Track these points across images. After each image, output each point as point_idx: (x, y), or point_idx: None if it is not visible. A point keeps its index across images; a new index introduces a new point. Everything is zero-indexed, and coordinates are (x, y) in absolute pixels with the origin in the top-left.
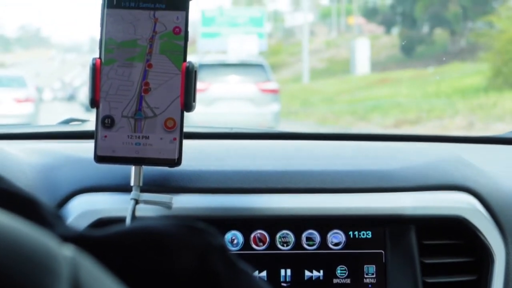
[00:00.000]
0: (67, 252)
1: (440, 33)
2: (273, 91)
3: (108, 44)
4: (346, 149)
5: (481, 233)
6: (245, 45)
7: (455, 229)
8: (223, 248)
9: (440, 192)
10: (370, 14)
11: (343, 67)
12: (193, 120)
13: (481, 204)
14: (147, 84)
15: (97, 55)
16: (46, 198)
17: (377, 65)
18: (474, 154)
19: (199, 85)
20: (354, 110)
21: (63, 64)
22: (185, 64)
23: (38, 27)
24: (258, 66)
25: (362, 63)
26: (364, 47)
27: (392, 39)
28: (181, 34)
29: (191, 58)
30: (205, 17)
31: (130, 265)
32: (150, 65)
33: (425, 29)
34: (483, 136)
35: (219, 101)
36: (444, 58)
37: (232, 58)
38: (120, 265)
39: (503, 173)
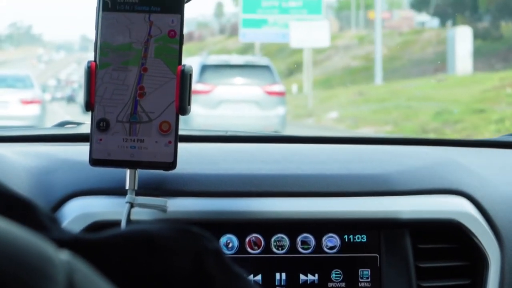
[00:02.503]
0: (62, 256)
1: (507, 26)
2: (280, 94)
3: (103, 47)
4: (341, 153)
5: (476, 237)
6: (312, 34)
7: (450, 233)
8: (218, 252)
9: (435, 196)
10: (420, 5)
11: (388, 65)
12: (197, 123)
13: (476, 208)
14: (142, 88)
15: (86, 54)
16: (40, 201)
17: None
18: (469, 158)
19: (203, 87)
20: None
21: (49, 64)
22: (180, 68)
23: (29, 24)
24: (264, 67)
25: (463, 59)
26: (465, 38)
27: (439, 33)
28: (176, 37)
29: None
30: (247, 1)
31: (125, 268)
32: (145, 69)
33: (489, 21)
34: (478, 139)
35: (223, 104)
36: None
37: (237, 59)
38: (115, 268)
39: (498, 177)
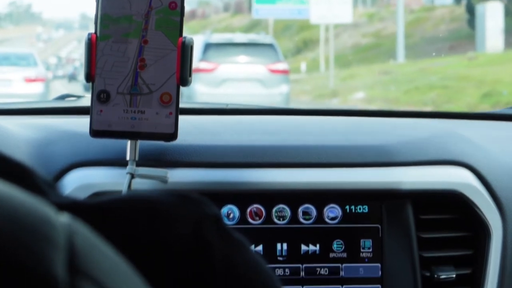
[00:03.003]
0: (63, 219)
1: None
2: (283, 72)
3: (103, 19)
4: (342, 124)
5: (477, 207)
6: (334, 9)
7: (452, 203)
8: (217, 218)
9: (437, 166)
10: None
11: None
12: (201, 101)
13: (478, 179)
14: (142, 60)
15: (87, 32)
16: (41, 173)
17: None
18: (471, 130)
19: (206, 65)
20: None
21: (48, 42)
22: (181, 40)
23: (28, 3)
24: (268, 45)
25: (493, 36)
26: (496, 13)
27: (452, 11)
28: (177, 9)
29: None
30: None
31: (124, 233)
32: (145, 41)
33: None
34: (480, 112)
35: (227, 82)
36: None
37: (240, 37)
38: (114, 232)
39: (500, 148)
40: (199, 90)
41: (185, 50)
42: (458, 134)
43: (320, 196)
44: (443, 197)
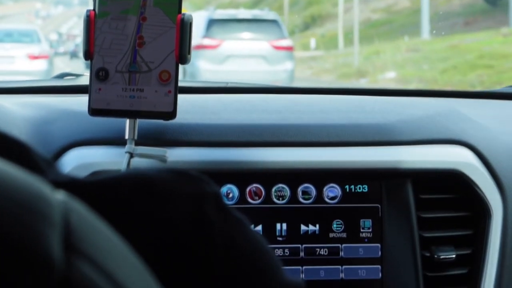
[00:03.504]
0: (59, 196)
1: None
2: (287, 49)
3: None
4: (342, 103)
5: (478, 187)
6: None
7: (452, 183)
8: (217, 196)
9: (437, 145)
10: None
11: (412, 18)
12: (204, 78)
13: (478, 158)
14: (141, 37)
15: (86, 8)
16: (40, 152)
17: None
18: (472, 109)
19: (210, 42)
20: None
21: (46, 19)
22: (180, 16)
23: None
24: (272, 22)
25: None
26: None
27: None
28: None
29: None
30: None
31: (122, 211)
32: (144, 18)
33: None
34: (480, 91)
35: (231, 59)
36: None
37: (244, 13)
38: (113, 210)
39: (500, 127)
40: (203, 67)
41: (184, 27)
42: (458, 113)
43: (320, 176)
44: (443, 176)
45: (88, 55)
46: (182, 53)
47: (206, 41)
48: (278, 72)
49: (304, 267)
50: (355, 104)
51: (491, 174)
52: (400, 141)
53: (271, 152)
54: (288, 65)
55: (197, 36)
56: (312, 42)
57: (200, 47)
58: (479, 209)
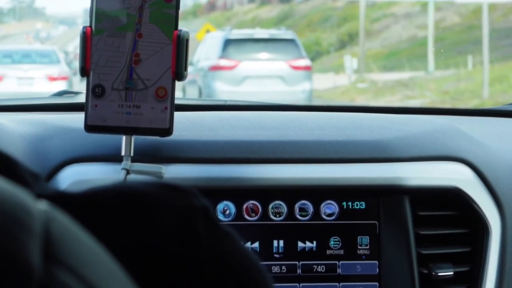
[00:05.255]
0: (40, 206)
1: None
2: (305, 68)
3: (97, 13)
4: (340, 120)
5: (476, 204)
6: None
7: (450, 200)
8: (205, 209)
9: (435, 162)
10: None
11: (466, 35)
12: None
13: (477, 175)
14: (137, 55)
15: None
16: (36, 168)
17: None
18: (470, 126)
19: (227, 62)
20: None
21: (45, 41)
22: (176, 33)
23: None
24: (290, 41)
25: None
26: None
27: None
28: (173, 2)
29: None
30: None
31: (108, 222)
32: (140, 35)
33: None
34: (479, 108)
35: (248, 80)
36: None
37: (261, 33)
38: (98, 222)
39: (499, 145)
40: (219, 88)
41: (181, 44)
42: (457, 130)
43: (317, 192)
44: (441, 193)
45: (84, 71)
46: (179, 70)
47: (223, 62)
48: (296, 92)
49: (301, 284)
50: (352, 121)
51: (490, 191)
52: (398, 158)
53: (268, 169)
54: (306, 86)
55: (213, 57)
56: (351, 62)
57: (217, 68)
58: (477, 226)
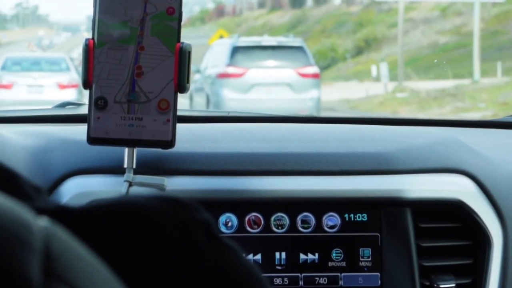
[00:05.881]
0: (41, 222)
1: None
2: (314, 76)
3: (99, 25)
4: (342, 132)
5: (478, 216)
6: None
7: (452, 212)
8: (207, 223)
9: (437, 174)
10: None
11: (490, 41)
12: (229, 108)
13: (479, 187)
14: (139, 67)
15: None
16: (39, 180)
17: None
18: (472, 138)
19: (235, 70)
20: None
21: (47, 49)
22: (179, 45)
23: (35, 4)
24: (297, 48)
25: None
26: None
27: None
28: (175, 15)
29: None
30: None
31: (109, 237)
32: (142, 48)
33: None
34: (481, 120)
35: (256, 87)
36: None
37: (269, 40)
38: (100, 236)
39: (500, 156)
40: (227, 96)
41: (183, 56)
42: (458, 142)
43: (319, 204)
44: (443, 205)
45: (86, 84)
46: (181, 83)
47: (231, 70)
48: (304, 100)
49: None
50: (354, 133)
51: (491, 203)
52: (400, 170)
53: (270, 181)
54: (315, 93)
55: (221, 64)
56: (373, 70)
57: (225, 75)
58: (479, 238)
